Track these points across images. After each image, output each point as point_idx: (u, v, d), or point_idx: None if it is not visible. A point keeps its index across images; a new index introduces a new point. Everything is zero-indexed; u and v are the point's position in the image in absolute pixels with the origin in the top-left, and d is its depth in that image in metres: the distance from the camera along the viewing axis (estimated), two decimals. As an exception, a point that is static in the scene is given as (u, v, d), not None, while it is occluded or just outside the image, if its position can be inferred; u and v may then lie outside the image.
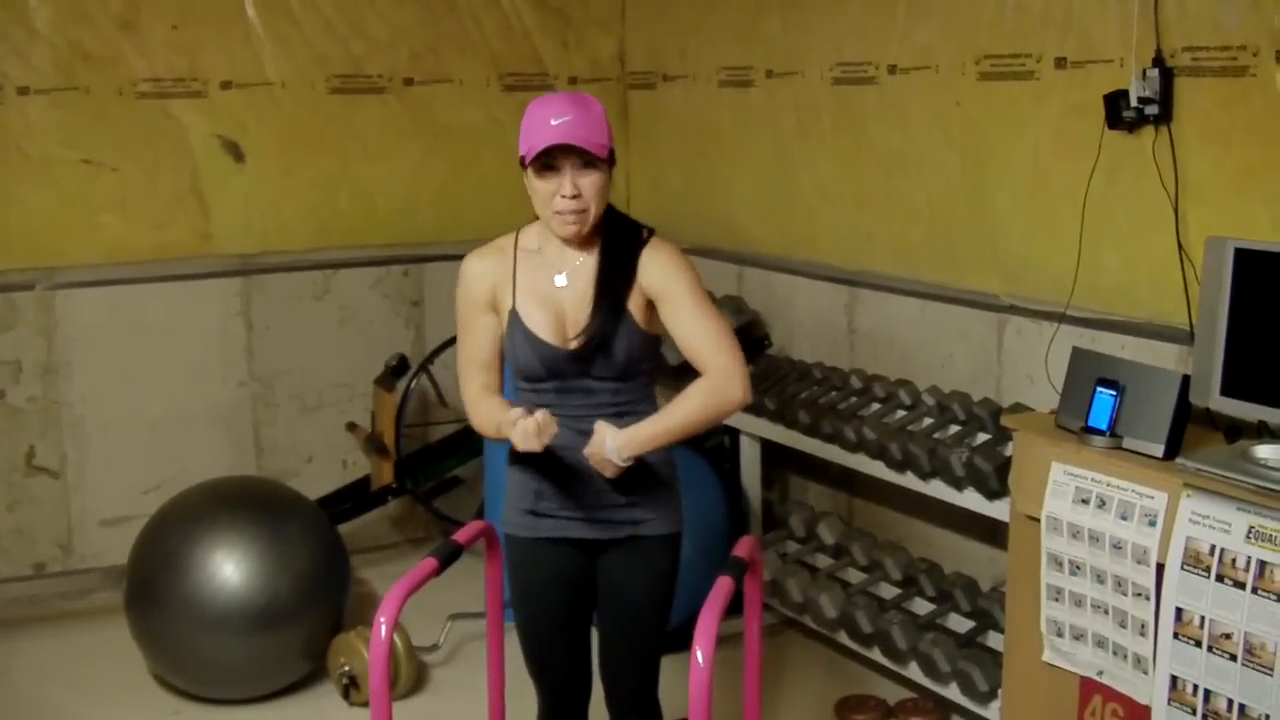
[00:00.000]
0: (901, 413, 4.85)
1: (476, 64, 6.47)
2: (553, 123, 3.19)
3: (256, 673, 4.97)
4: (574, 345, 3.31)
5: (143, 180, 5.92)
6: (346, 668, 4.87)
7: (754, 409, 5.34)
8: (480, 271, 3.41)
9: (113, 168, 5.86)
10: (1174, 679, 3.39)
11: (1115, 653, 3.56)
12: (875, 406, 4.96)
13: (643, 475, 3.36)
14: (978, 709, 4.42)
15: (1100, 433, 3.65)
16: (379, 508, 6.19)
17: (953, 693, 4.49)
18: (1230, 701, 3.25)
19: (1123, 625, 3.53)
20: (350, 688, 4.86)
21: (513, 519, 3.49)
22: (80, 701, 5.09)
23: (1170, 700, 3.40)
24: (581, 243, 3.35)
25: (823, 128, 5.44)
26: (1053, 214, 4.45)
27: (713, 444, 5.76)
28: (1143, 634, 3.47)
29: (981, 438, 4.50)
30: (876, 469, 4.79)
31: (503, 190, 6.19)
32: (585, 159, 3.22)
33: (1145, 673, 3.48)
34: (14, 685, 5.25)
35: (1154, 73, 4.00)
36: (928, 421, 4.74)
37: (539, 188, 3.26)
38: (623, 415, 3.33)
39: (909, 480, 4.65)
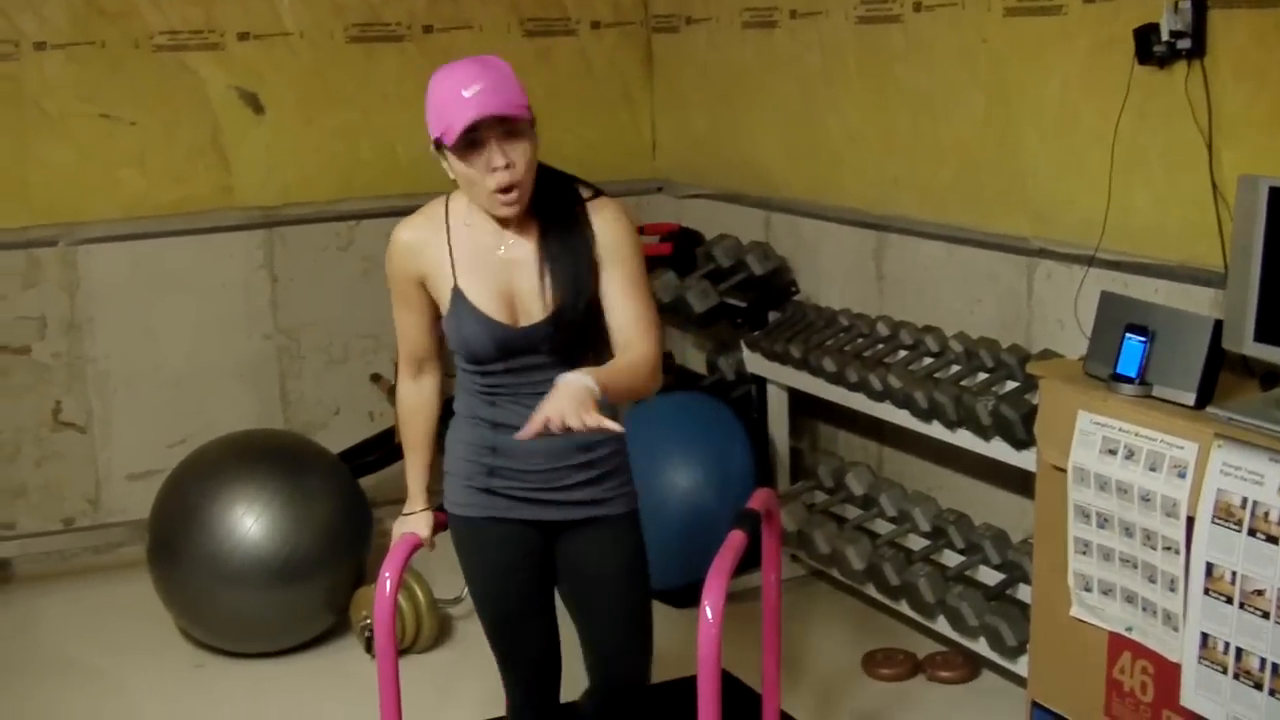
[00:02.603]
0: (929, 360, 4.75)
1: (496, 9, 6.35)
2: (465, 94, 2.85)
3: (279, 626, 4.96)
4: (537, 321, 3.06)
5: (161, 134, 5.87)
6: (369, 620, 4.83)
7: (780, 356, 5.26)
8: (413, 245, 3.12)
9: (131, 122, 5.81)
10: (1205, 636, 3.30)
11: (1144, 608, 3.47)
12: (902, 354, 4.87)
13: (600, 458, 3.19)
14: (1006, 663, 4.34)
15: (1129, 380, 3.55)
16: (403, 459, 6.12)
17: (981, 647, 4.41)
18: (1263, 660, 3.16)
19: (1152, 580, 3.43)
20: (372, 640, 4.81)
21: (462, 498, 3.26)
22: (106, 654, 5.11)
23: (1201, 658, 3.31)
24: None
25: (848, 69, 5.32)
26: (1082, 153, 4.32)
27: (740, 393, 5.68)
28: (1172, 589, 3.37)
29: (1009, 385, 4.41)
30: (903, 418, 4.70)
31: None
32: (509, 127, 2.89)
33: (1175, 629, 3.38)
34: (42, 638, 5.30)
35: (1186, 5, 3.84)
36: (955, 369, 4.64)
37: (463, 170, 2.93)
38: None
39: (935, 429, 4.56)
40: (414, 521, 3.42)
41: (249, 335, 6.14)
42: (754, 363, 5.50)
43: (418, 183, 6.21)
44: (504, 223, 3.05)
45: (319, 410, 6.31)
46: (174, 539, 4.91)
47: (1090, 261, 4.28)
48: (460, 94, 2.85)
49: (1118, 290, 3.93)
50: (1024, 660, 4.15)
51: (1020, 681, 4.22)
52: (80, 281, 5.82)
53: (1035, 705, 3.83)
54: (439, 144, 2.95)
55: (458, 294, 3.07)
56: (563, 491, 3.20)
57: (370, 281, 6.22)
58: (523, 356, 3.09)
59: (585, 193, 3.11)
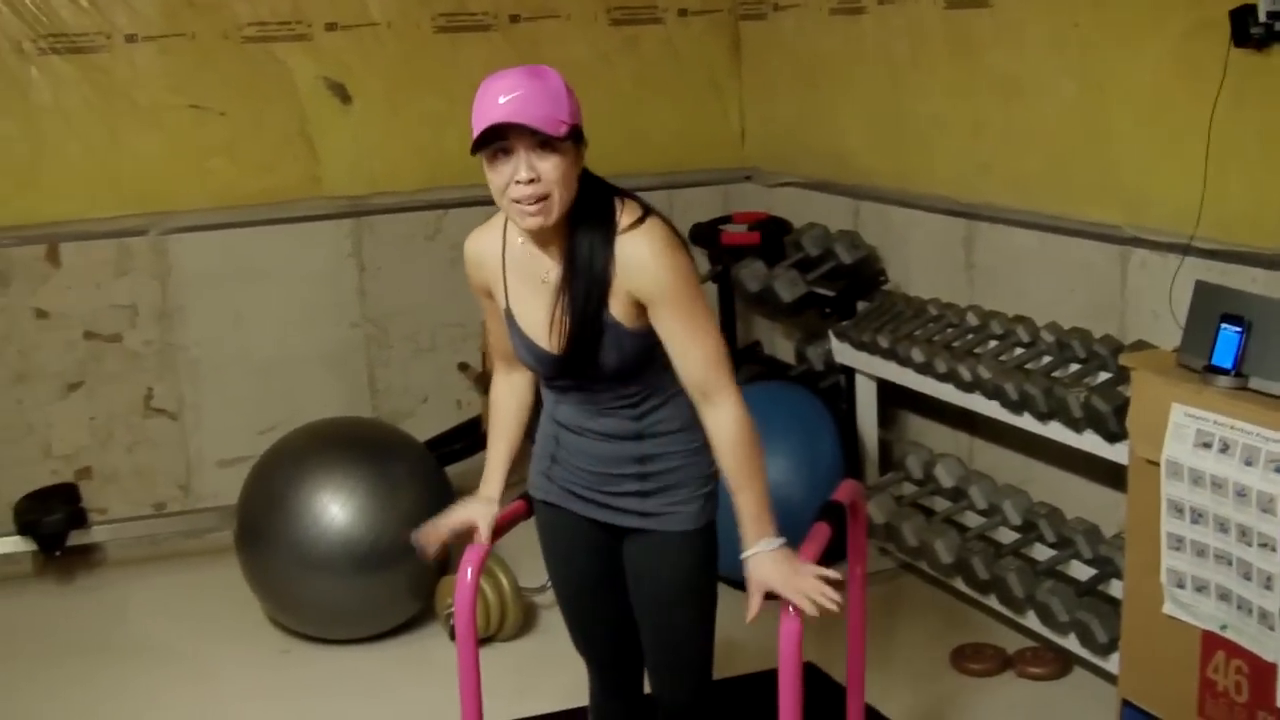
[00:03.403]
0: (1019, 350, 4.68)
1: (583, -2, 6.36)
2: (501, 100, 2.75)
3: (364, 613, 4.98)
4: (558, 352, 3.00)
5: (250, 124, 5.92)
6: (453, 608, 4.83)
7: (868, 346, 5.21)
8: (475, 258, 3.09)
9: (220, 112, 5.87)
10: (1301, 634, 3.22)
11: (1239, 606, 3.38)
12: (992, 344, 4.80)
13: (658, 471, 3.09)
14: (1097, 660, 4.27)
15: (1224, 372, 3.46)
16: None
17: (1071, 643, 4.34)
18: (1360, 659, 3.08)
19: (1247, 578, 3.35)
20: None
21: (536, 480, 3.26)
22: (194, 638, 5.16)
23: (1297, 657, 3.23)
24: (558, 231, 2.90)
25: (936, 54, 5.25)
26: (1176, 139, 4.22)
27: (828, 383, 5.64)
28: (1268, 588, 3.28)
29: (1102, 376, 4.32)
30: (993, 409, 4.63)
31: (610, 128, 5.97)
32: (541, 139, 2.77)
33: (1271, 629, 3.29)
34: (132, 622, 5.36)
35: (1285, -15, 3.76)
36: (1046, 360, 4.57)
37: (490, 178, 2.83)
38: (638, 405, 3.06)
39: (1026, 421, 4.49)
40: (473, 507, 3.33)
41: (336, 324, 6.18)
42: (842, 353, 5.45)
43: (505, 172, 6.26)
44: (543, 245, 2.94)
45: (406, 399, 6.33)
46: (261, 525, 4.94)
47: (1185, 250, 4.19)
48: (496, 100, 2.76)
49: (1213, 280, 3.83)
50: (1115, 657, 4.07)
51: (1111, 679, 4.15)
52: (171, 270, 5.88)
53: (1126, 704, 3.75)
54: (474, 148, 2.83)
55: (509, 315, 3.05)
56: (612, 497, 3.13)
57: (458, 270, 6.10)
58: (573, 378, 3.04)
59: (628, 217, 2.92)
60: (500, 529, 3.37)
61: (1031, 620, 4.48)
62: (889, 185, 5.66)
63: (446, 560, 5.04)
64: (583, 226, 2.90)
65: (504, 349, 3.21)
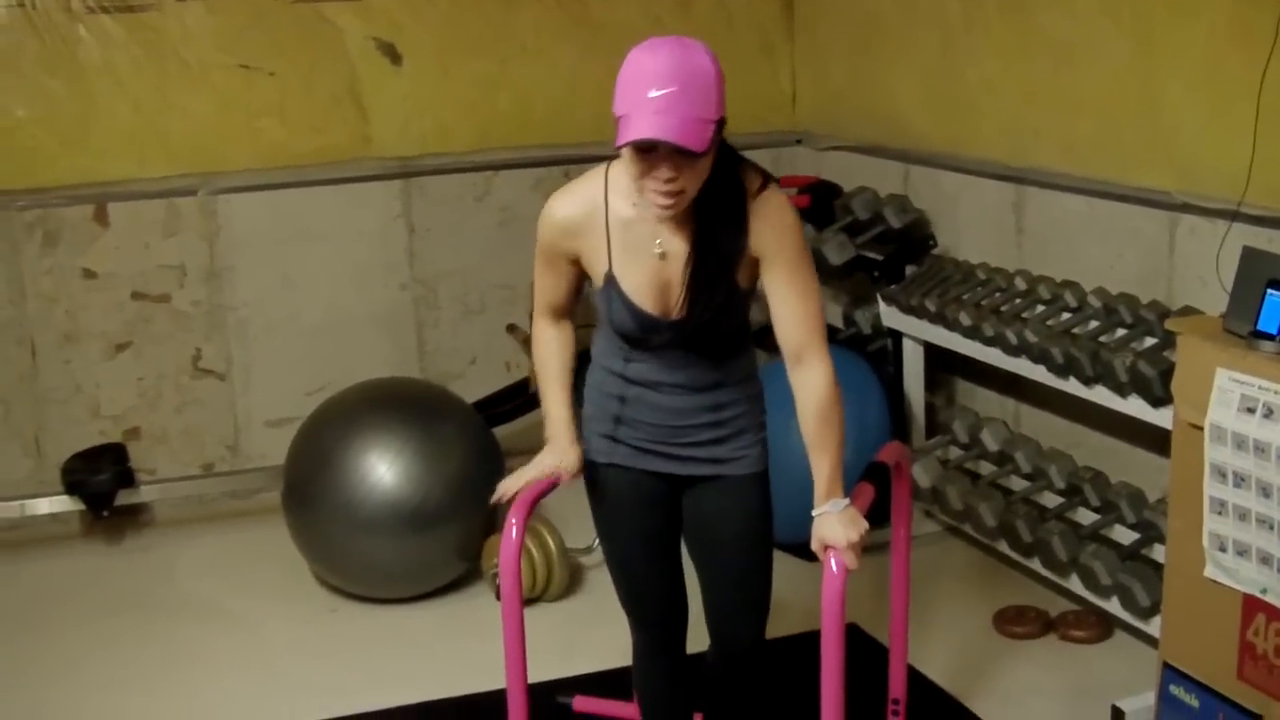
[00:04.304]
0: (1066, 315, 4.66)
1: (634, -41, 6.32)
2: (651, 95, 2.72)
3: (411, 572, 5.00)
4: (681, 318, 3.04)
5: (300, 84, 5.92)
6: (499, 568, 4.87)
7: (916, 310, 5.20)
8: (569, 225, 3.07)
9: (270, 72, 5.87)
10: (1342, 599, 3.20)
11: (1280, 570, 3.38)
12: (1040, 308, 4.78)
13: (729, 417, 3.19)
14: (1139, 624, 4.27)
15: (1270, 338, 3.44)
16: (538, 409, 6.13)
17: (1114, 606, 4.33)
18: (1402, 624, 3.06)
19: (1289, 541, 3.34)
20: (502, 589, 4.87)
21: (591, 443, 3.27)
22: (242, 597, 5.21)
23: (1338, 621, 3.22)
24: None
25: (988, 17, 5.21)
26: (1227, 104, 4.19)
27: (876, 347, 5.63)
28: (1310, 551, 3.28)
29: (1148, 341, 4.31)
30: (1039, 373, 4.62)
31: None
32: (684, 150, 2.77)
33: (1312, 592, 3.29)
34: (180, 581, 5.40)
35: (1340, -53, 3.72)
36: (1093, 324, 4.55)
37: (629, 163, 2.85)
38: (721, 356, 3.14)
39: (1072, 386, 4.48)
40: (561, 451, 3.28)
41: (386, 285, 6.19)
42: (890, 316, 5.44)
43: (555, 134, 6.27)
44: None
45: (455, 360, 6.35)
46: (309, 485, 4.97)
47: (1234, 216, 4.15)
48: (646, 94, 2.73)
49: (1261, 246, 3.80)
50: (1156, 621, 4.06)
51: (1152, 642, 4.14)
52: (220, 230, 5.91)
53: (1167, 666, 3.74)
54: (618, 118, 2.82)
55: (611, 279, 3.06)
56: (688, 448, 3.20)
57: (507, 232, 6.23)
58: (668, 342, 3.09)
59: (753, 183, 3.00)
60: (546, 490, 3.40)
61: (1074, 583, 4.48)
62: (939, 149, 5.63)
63: (494, 520, 5.08)
64: (715, 199, 2.95)
65: (556, 305, 3.23)
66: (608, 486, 3.29)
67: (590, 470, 3.30)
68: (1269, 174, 4.04)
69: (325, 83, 5.96)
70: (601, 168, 3.08)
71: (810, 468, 3.14)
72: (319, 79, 5.94)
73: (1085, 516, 4.59)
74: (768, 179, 3.03)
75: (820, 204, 5.99)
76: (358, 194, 6.08)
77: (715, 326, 3.08)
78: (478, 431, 5.23)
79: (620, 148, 2.81)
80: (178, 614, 5.09)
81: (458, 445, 5.06)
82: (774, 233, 2.98)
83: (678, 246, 3.01)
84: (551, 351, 3.33)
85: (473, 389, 5.98)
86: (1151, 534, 4.31)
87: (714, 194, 2.94)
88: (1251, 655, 3.48)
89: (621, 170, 2.96)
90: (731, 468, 3.22)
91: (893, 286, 5.45)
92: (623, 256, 3.04)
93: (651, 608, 3.40)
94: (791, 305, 3.03)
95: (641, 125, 2.74)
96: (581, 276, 3.19)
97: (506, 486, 3.30)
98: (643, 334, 3.08)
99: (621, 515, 3.31)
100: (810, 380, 3.07)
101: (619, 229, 3.03)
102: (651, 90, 2.73)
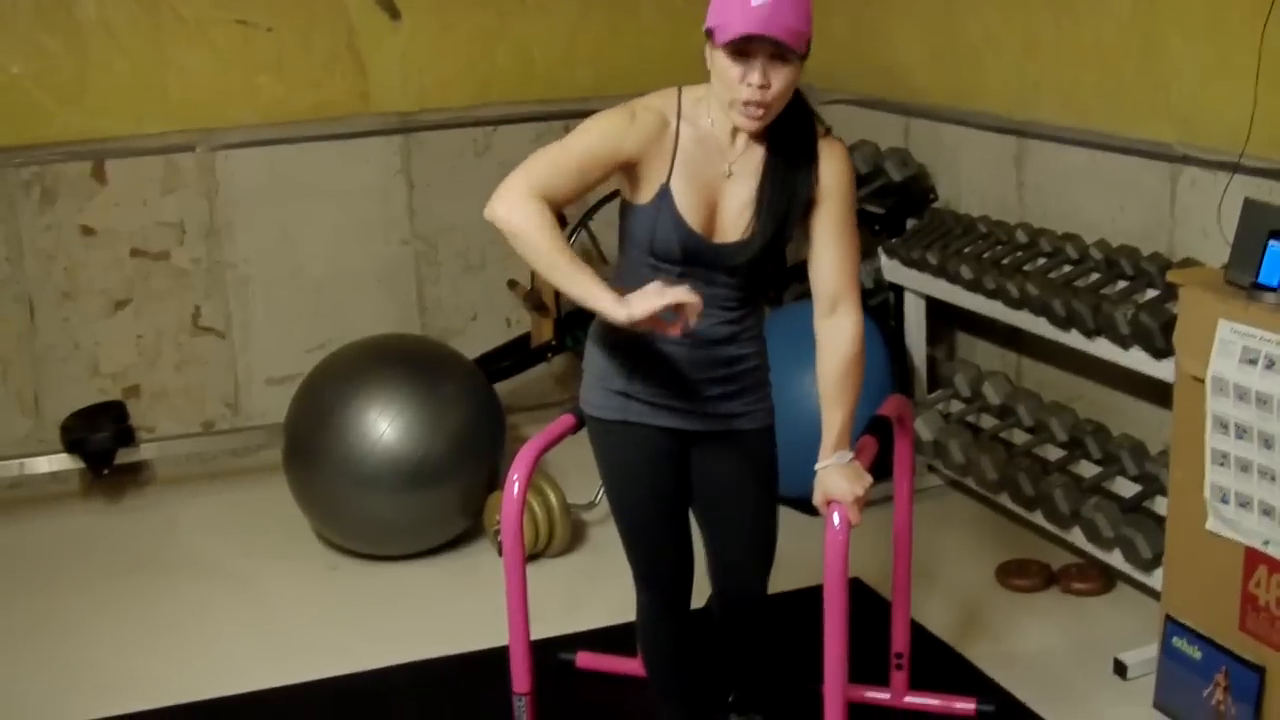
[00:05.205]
0: (1068, 268, 4.65)
1: (633, -89, 6.29)
2: (755, 4, 2.80)
3: (412, 529, 5.01)
4: (730, 242, 3.05)
5: (298, 40, 5.89)
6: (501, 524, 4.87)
7: (917, 264, 5.18)
8: (644, 130, 3.01)
9: (267, 28, 5.84)
10: (1344, 551, 3.20)
11: (1282, 522, 3.38)
12: (1041, 261, 4.77)
13: (741, 372, 3.20)
14: (1141, 576, 4.27)
15: (1271, 289, 3.43)
16: (540, 365, 6.15)
17: (1115, 559, 4.33)
18: (1404, 575, 3.06)
19: (1291, 493, 3.34)
20: (504, 545, 4.87)
21: (600, 400, 3.25)
22: (242, 555, 5.22)
23: (1340, 573, 3.22)
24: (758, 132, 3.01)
25: (989, -33, 5.19)
26: (1228, 56, 4.16)
27: (877, 300, 5.61)
28: (1312, 502, 3.28)
29: (1150, 294, 4.30)
30: (1040, 326, 4.61)
31: (661, 44, 6.03)
32: (781, 50, 2.84)
33: (1314, 543, 3.29)
34: (180, 539, 5.41)
35: (1343, -103, 3.69)
36: (1095, 277, 4.53)
37: (722, 70, 2.89)
38: (739, 307, 3.15)
39: (1073, 338, 4.47)
40: (638, 295, 2.93)
41: (386, 241, 6.18)
42: (891, 270, 5.42)
43: (554, 89, 6.24)
44: (734, 137, 3.04)
45: (456, 316, 6.34)
46: (309, 443, 4.97)
47: (1235, 168, 4.13)
48: (750, 1, 2.80)
49: (1263, 198, 3.79)
50: (1158, 573, 4.06)
51: (1155, 595, 4.14)
52: (219, 187, 5.89)
53: (1169, 619, 3.75)
54: (709, 33, 2.91)
55: (665, 193, 3.03)
56: (702, 403, 3.20)
57: (506, 187, 6.18)
58: (704, 269, 3.07)
59: (820, 129, 3.09)
60: (549, 444, 3.40)
61: (1076, 536, 4.48)
62: (940, 102, 5.60)
63: (496, 476, 5.09)
64: (788, 130, 3.02)
65: (558, 199, 2.97)
66: (620, 444, 3.27)
67: (599, 429, 3.29)
68: (1270, 126, 4.02)
69: (323, 38, 5.92)
70: (672, 90, 3.11)
71: (820, 420, 3.14)
72: (317, 34, 5.91)
73: (1087, 469, 4.58)
74: (829, 129, 3.12)
75: (820, 158, 5.95)
76: (357, 150, 6.06)
77: (755, 262, 3.09)
78: (479, 388, 5.23)
79: (721, 47, 2.86)
80: (178, 572, 5.09)
81: (459, 402, 5.06)
82: (836, 176, 3.06)
83: (744, 170, 3.06)
84: (551, 222, 2.97)
85: (473, 345, 5.97)
86: (1153, 486, 4.30)
87: (787, 125, 3.01)
88: (1253, 607, 3.48)
89: (692, 92, 3.06)
90: (743, 422, 3.24)
91: (894, 240, 5.43)
92: (684, 171, 3.04)
93: (663, 565, 3.39)
94: (837, 251, 3.09)
95: (743, 24, 2.81)
96: (600, 183, 3.07)
97: (643, 307, 2.89)
98: (682, 255, 3.05)
99: (635, 474, 3.29)
100: (843, 330, 3.13)
101: (687, 142, 3.05)
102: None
